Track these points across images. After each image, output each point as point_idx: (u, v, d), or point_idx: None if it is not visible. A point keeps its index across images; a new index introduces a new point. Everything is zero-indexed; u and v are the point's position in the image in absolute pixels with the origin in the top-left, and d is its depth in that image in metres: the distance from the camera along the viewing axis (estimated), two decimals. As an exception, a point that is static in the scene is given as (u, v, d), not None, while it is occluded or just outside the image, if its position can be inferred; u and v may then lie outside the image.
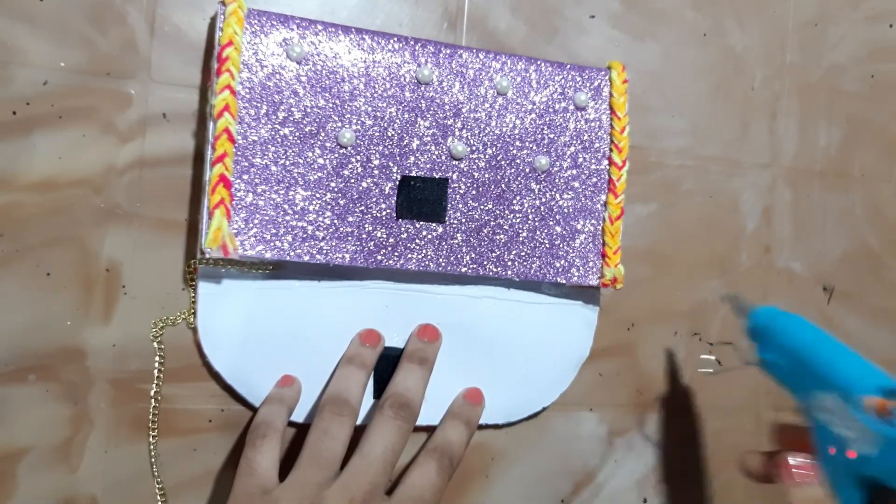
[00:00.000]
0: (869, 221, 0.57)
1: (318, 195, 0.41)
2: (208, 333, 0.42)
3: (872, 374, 0.36)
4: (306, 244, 0.41)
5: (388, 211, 0.42)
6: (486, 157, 0.44)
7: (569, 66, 0.46)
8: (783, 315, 0.42)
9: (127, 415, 0.41)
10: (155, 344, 0.42)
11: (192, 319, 0.42)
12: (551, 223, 0.46)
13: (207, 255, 0.39)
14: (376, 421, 0.38)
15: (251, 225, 0.40)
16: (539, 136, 0.45)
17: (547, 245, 0.46)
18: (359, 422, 0.42)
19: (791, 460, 0.38)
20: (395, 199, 0.42)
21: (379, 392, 0.44)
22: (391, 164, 0.42)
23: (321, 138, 0.41)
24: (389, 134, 0.42)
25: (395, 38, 0.43)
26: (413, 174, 0.43)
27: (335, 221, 0.41)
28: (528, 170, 0.45)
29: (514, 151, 0.45)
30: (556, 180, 0.46)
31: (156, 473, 0.42)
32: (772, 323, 0.42)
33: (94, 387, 0.41)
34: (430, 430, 0.46)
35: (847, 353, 0.38)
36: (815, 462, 0.38)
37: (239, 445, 0.43)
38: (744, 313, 0.44)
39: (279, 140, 0.40)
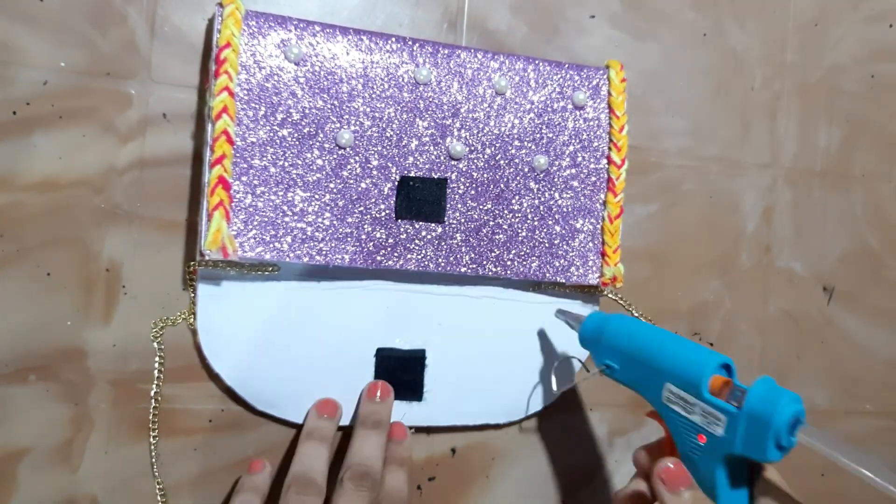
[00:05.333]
0: (869, 221, 0.57)
1: (317, 196, 0.41)
2: (208, 335, 0.42)
3: (707, 356, 0.36)
4: (306, 245, 0.41)
5: (388, 211, 0.42)
6: (485, 156, 0.44)
7: (567, 66, 0.46)
8: (610, 319, 0.42)
9: (127, 415, 0.42)
10: (155, 344, 0.42)
11: (192, 320, 0.42)
12: (550, 222, 0.46)
13: (207, 257, 0.39)
14: (339, 496, 0.38)
15: (250, 226, 0.40)
16: (538, 135, 0.45)
17: (546, 244, 0.46)
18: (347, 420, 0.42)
19: (659, 468, 0.37)
20: (394, 199, 0.42)
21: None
22: (390, 165, 0.42)
23: (320, 139, 0.41)
24: (388, 134, 0.42)
25: (393, 39, 0.43)
26: (412, 174, 0.43)
27: (334, 222, 0.41)
28: (526, 169, 0.45)
29: (513, 151, 0.45)
30: (555, 179, 0.46)
31: (156, 473, 0.42)
32: (601, 328, 0.42)
33: (95, 387, 0.41)
34: (430, 430, 0.47)
35: (679, 342, 0.38)
36: (680, 461, 0.38)
37: (239, 448, 0.43)
38: (578, 324, 0.44)
39: (278, 141, 0.40)
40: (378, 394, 0.43)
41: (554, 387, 0.46)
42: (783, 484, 0.37)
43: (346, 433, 0.44)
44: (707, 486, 0.37)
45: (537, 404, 0.48)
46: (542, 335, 0.47)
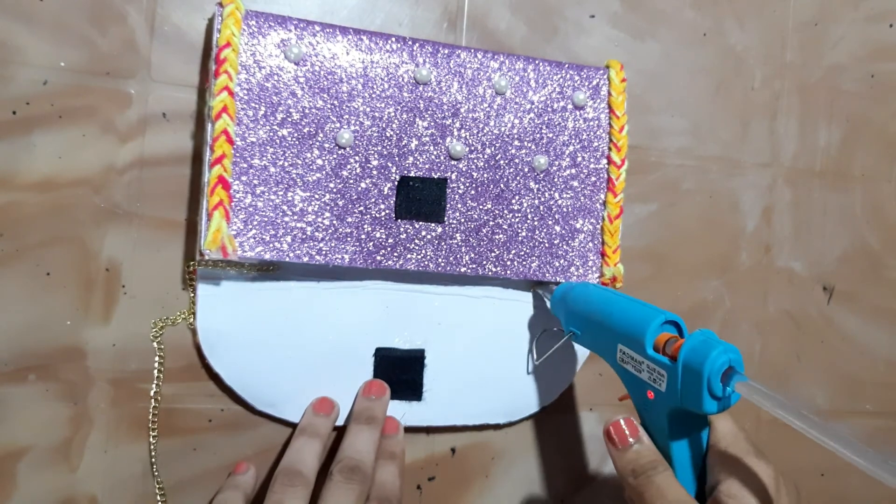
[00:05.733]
0: (869, 221, 0.57)
1: (316, 196, 0.41)
2: (208, 335, 0.42)
3: (651, 314, 0.37)
4: (305, 245, 0.41)
5: (387, 211, 0.42)
6: (485, 156, 0.44)
7: (567, 66, 0.46)
8: (573, 287, 0.44)
9: (127, 415, 0.42)
10: (155, 344, 0.42)
11: (191, 320, 0.42)
12: (550, 222, 0.46)
13: (207, 257, 0.39)
14: (328, 489, 0.38)
15: (250, 226, 0.40)
16: (538, 135, 0.45)
17: (546, 244, 0.46)
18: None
19: (611, 424, 0.38)
20: (394, 199, 0.42)
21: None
22: (390, 165, 0.42)
23: (320, 139, 0.41)
24: (388, 134, 0.42)
25: (393, 39, 0.43)
26: (412, 174, 0.43)
27: (334, 222, 0.41)
28: (526, 169, 0.45)
29: (513, 151, 0.45)
30: (555, 179, 0.46)
31: (156, 473, 0.42)
32: (566, 296, 0.43)
33: (94, 386, 0.41)
34: (430, 430, 0.47)
35: (629, 302, 0.39)
36: (635, 419, 0.38)
37: (239, 447, 0.43)
38: (549, 294, 0.45)
39: (277, 141, 0.40)
40: (372, 392, 0.44)
41: (534, 358, 0.47)
42: (735, 433, 0.37)
43: (342, 433, 0.44)
44: (660, 442, 0.37)
45: (537, 404, 0.48)
46: (532, 324, 0.48)
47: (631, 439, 0.37)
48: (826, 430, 0.29)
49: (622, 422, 0.37)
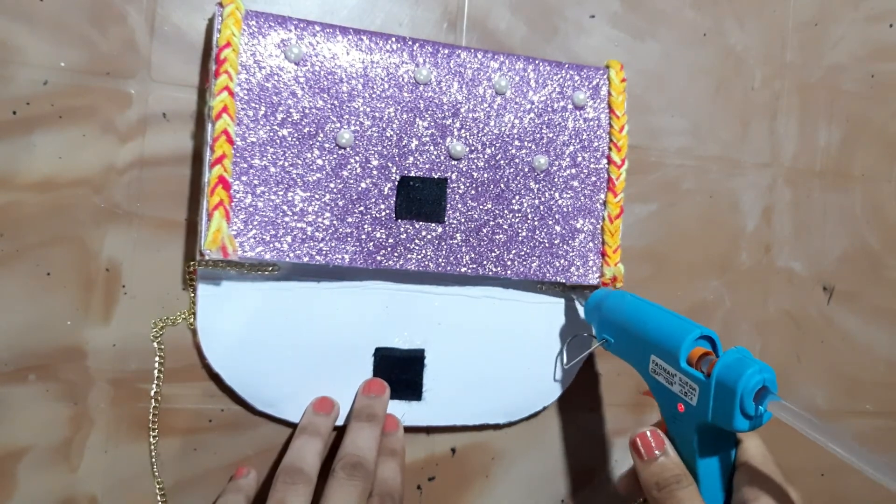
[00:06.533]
0: (869, 221, 0.57)
1: (317, 196, 0.41)
2: (208, 335, 0.42)
3: (687, 328, 0.37)
4: (306, 245, 0.41)
5: (388, 211, 0.42)
6: (485, 156, 0.44)
7: (567, 66, 0.46)
8: (610, 294, 0.44)
9: (127, 414, 0.42)
10: (155, 344, 0.42)
11: (191, 320, 0.42)
12: (550, 222, 0.46)
13: (207, 257, 0.39)
14: (331, 486, 0.38)
15: (250, 226, 0.40)
16: (538, 135, 0.45)
17: (546, 244, 0.46)
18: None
19: (637, 435, 0.38)
20: (394, 199, 0.42)
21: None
22: (390, 165, 0.42)
23: (320, 139, 0.41)
24: (388, 134, 0.42)
25: (393, 39, 0.43)
26: (412, 174, 0.43)
27: (334, 222, 0.41)
28: (527, 169, 0.45)
29: (513, 151, 0.45)
30: (556, 179, 0.46)
31: (156, 473, 0.42)
32: (601, 304, 0.43)
33: (94, 386, 0.41)
34: (430, 430, 0.47)
35: (665, 315, 0.39)
36: (661, 431, 0.38)
37: (239, 447, 0.43)
38: (585, 300, 0.46)
39: (278, 141, 0.40)
40: (372, 390, 0.44)
41: (565, 361, 0.47)
42: (764, 454, 0.37)
43: (342, 432, 0.44)
44: (687, 457, 0.37)
45: (537, 404, 0.48)
46: (543, 335, 0.47)
47: (657, 451, 0.37)
48: (863, 456, 0.29)
49: (649, 433, 0.38)
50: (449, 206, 0.44)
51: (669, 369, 0.37)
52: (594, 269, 0.47)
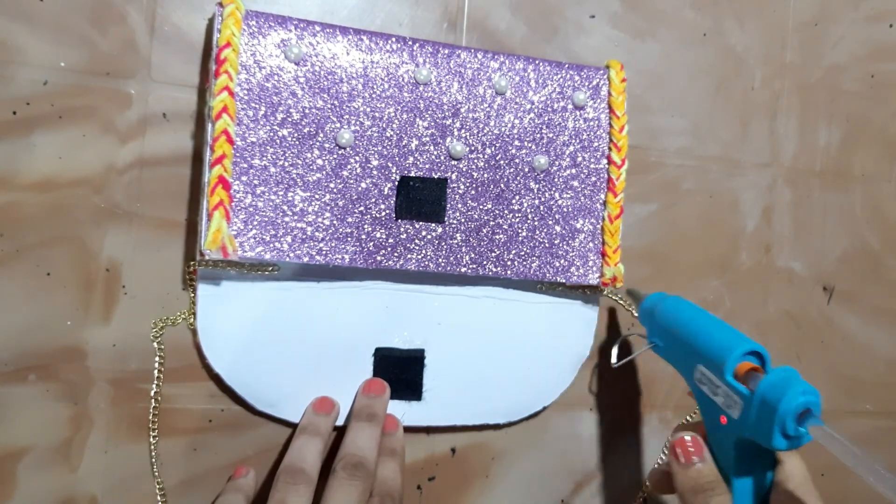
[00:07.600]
0: (869, 221, 0.57)
1: (317, 196, 0.41)
2: (208, 335, 0.42)
3: (737, 342, 0.37)
4: (306, 245, 0.41)
5: (388, 211, 0.42)
6: (485, 156, 0.44)
7: (567, 66, 0.46)
8: (665, 299, 0.44)
9: (127, 414, 0.42)
10: (155, 344, 0.42)
11: (191, 320, 0.42)
12: (551, 222, 0.46)
13: (207, 257, 0.39)
14: (331, 485, 0.38)
15: (250, 226, 0.40)
16: (538, 135, 0.45)
17: (546, 244, 0.46)
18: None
19: (677, 439, 0.38)
20: (394, 199, 0.42)
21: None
22: (390, 165, 0.42)
23: (320, 139, 0.41)
24: (388, 134, 0.42)
25: (394, 39, 0.43)
26: (412, 174, 0.43)
27: (334, 222, 0.41)
28: (527, 169, 0.45)
29: (513, 151, 0.45)
30: (556, 179, 0.46)
31: (156, 473, 0.42)
32: (656, 308, 0.44)
33: (94, 386, 0.41)
34: (430, 430, 0.47)
35: (717, 326, 0.39)
36: (701, 438, 0.39)
37: (239, 447, 0.43)
38: (638, 303, 0.46)
39: (278, 141, 0.40)
40: (372, 390, 0.44)
41: (614, 359, 0.47)
42: (805, 476, 0.37)
43: (342, 432, 0.44)
44: (724, 467, 0.37)
45: (537, 404, 0.48)
46: (542, 335, 0.47)
47: (695, 458, 0.37)
48: None
49: (689, 440, 0.38)
50: (449, 206, 0.44)
51: (715, 380, 0.37)
52: (594, 269, 0.47)
